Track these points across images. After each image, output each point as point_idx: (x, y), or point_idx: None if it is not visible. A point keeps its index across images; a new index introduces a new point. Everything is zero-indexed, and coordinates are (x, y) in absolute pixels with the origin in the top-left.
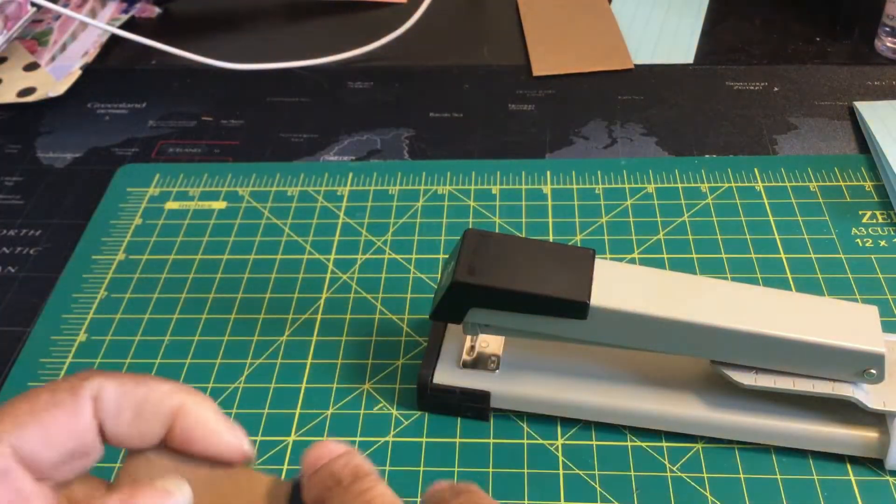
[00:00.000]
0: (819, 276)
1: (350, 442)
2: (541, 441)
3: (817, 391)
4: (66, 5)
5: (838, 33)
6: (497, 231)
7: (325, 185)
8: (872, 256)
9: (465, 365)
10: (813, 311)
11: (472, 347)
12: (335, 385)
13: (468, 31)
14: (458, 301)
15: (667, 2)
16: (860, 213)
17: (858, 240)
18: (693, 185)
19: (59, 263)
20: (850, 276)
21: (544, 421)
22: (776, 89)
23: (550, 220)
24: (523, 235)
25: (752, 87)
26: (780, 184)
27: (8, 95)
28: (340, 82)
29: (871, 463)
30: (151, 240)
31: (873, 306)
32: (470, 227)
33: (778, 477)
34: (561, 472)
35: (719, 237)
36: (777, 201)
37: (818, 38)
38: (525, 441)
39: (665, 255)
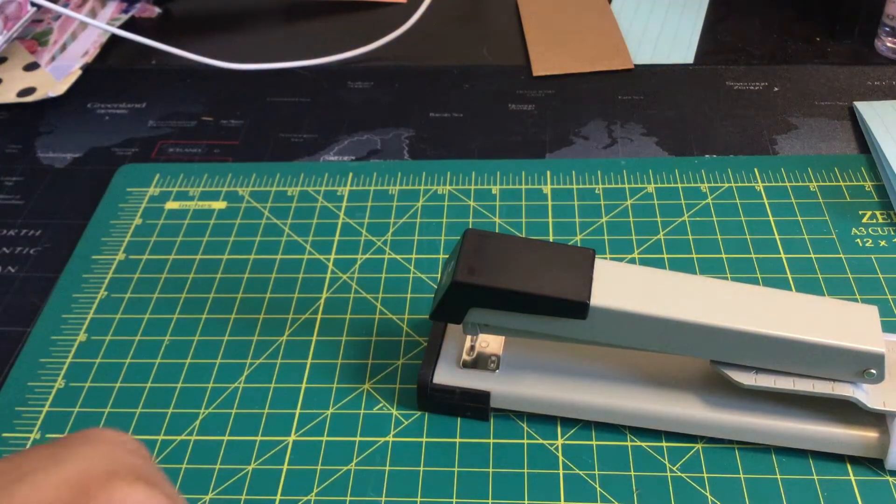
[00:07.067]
0: (819, 276)
1: (350, 442)
2: (541, 441)
3: (817, 391)
4: (66, 5)
5: (838, 33)
6: (497, 231)
7: (325, 185)
8: (872, 256)
9: (465, 365)
10: (813, 311)
11: (472, 347)
12: (335, 385)
13: (468, 31)
14: (458, 301)
15: (667, 2)
16: (860, 213)
17: (858, 240)
18: (693, 185)
19: (59, 263)
20: (850, 276)
21: (544, 421)
22: (776, 89)
23: (550, 220)
24: (523, 235)
25: (752, 87)
26: (780, 184)
27: (8, 95)
28: (340, 82)
29: (871, 463)
30: (151, 240)
31: (873, 306)
32: (470, 227)
33: (778, 477)
34: (561, 472)
35: (719, 237)
36: (777, 201)
37: (818, 38)
38: (525, 441)
39: (665, 255)
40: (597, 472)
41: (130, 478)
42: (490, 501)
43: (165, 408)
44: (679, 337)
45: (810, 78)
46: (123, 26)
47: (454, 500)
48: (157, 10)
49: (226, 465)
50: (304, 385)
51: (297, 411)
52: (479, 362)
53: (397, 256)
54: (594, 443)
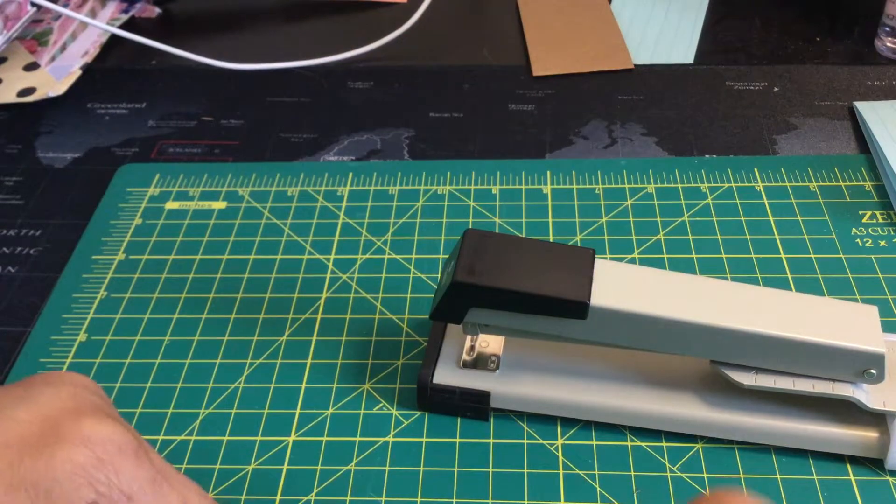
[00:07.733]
0: (819, 276)
1: (350, 442)
2: (541, 441)
3: (817, 391)
4: (66, 5)
5: (838, 33)
6: (497, 231)
7: (325, 185)
8: (872, 256)
9: (465, 365)
10: (813, 311)
11: (472, 347)
12: (335, 385)
13: (468, 31)
14: (458, 301)
15: (667, 2)
16: (860, 213)
17: (858, 240)
18: (693, 185)
19: (59, 263)
20: (850, 276)
21: (544, 421)
22: (776, 89)
23: (550, 220)
24: (523, 235)
25: (752, 87)
26: (780, 184)
27: (8, 95)
28: (340, 82)
29: (871, 463)
30: (151, 240)
31: (873, 306)
32: (470, 227)
33: (778, 477)
34: (561, 472)
35: (719, 237)
36: (777, 201)
37: (818, 38)
38: (525, 441)
39: (665, 255)
40: (597, 472)
41: (99, 414)
42: (490, 501)
43: (165, 408)
44: (679, 337)
45: (810, 78)
46: (123, 26)
47: (454, 500)
48: (157, 10)
49: (226, 465)
50: (304, 385)
51: (297, 411)
52: (479, 362)
53: (397, 256)
54: (594, 443)
